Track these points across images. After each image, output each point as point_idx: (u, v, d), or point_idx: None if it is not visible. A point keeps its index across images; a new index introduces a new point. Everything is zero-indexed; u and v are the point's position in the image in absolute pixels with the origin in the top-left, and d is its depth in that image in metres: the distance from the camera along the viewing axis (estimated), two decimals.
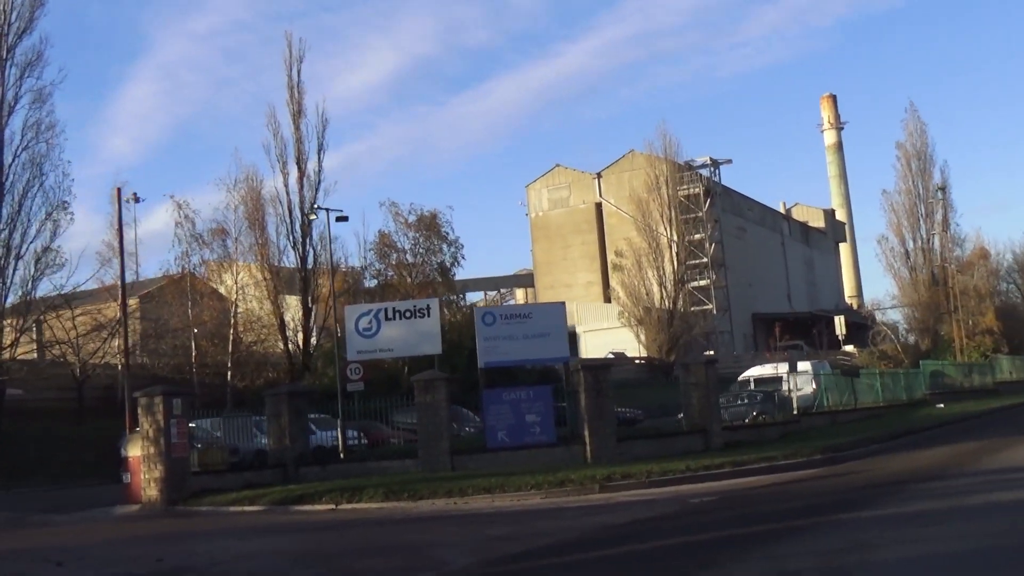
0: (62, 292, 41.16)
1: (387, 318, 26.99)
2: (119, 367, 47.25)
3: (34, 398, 44.63)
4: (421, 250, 51.79)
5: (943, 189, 70.70)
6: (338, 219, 33.66)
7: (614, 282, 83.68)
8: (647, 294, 74.70)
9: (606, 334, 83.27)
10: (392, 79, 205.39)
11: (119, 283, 46.62)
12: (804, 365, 43.18)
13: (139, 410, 23.89)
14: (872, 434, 28.90)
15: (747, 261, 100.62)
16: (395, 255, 51.52)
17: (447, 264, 52.23)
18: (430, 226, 51.34)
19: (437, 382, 25.23)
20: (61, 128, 41.64)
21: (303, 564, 13.15)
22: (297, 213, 50.95)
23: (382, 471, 25.05)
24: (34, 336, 43.24)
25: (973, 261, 77.02)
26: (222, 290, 49.44)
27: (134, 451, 23.77)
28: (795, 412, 36.35)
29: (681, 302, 77.95)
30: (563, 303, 33.22)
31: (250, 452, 28.32)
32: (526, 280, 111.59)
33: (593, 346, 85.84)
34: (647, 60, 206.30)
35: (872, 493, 16.81)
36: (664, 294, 75.18)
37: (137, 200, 53.82)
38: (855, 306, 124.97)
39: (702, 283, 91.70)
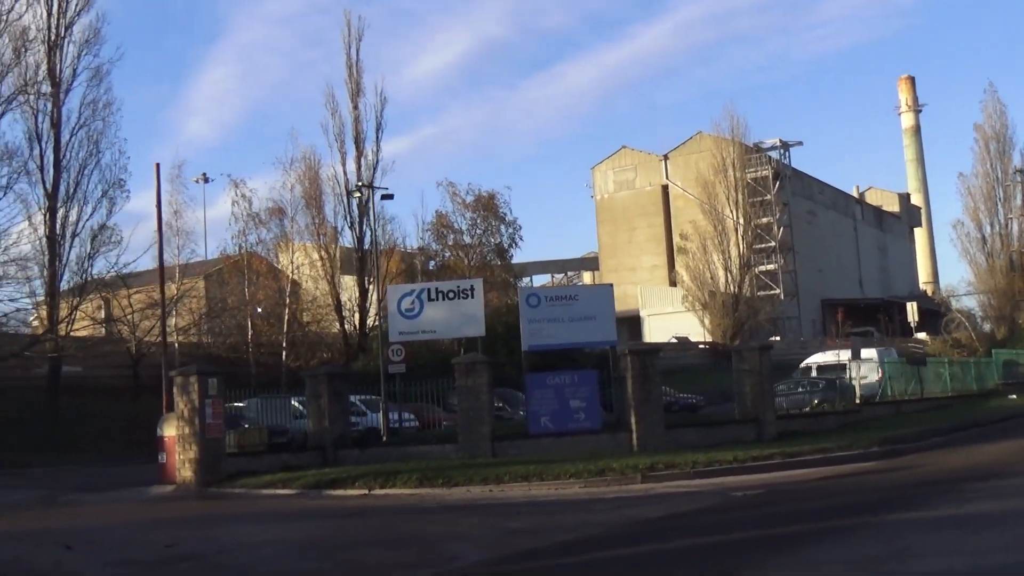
0: (119, 271, 41.31)
1: (430, 299, 26.34)
2: (176, 345, 47.56)
3: (92, 375, 45.00)
4: (478, 231, 51.12)
5: (1021, 171, 68.06)
6: (383, 197, 33.21)
7: (679, 266, 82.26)
8: (712, 278, 73.38)
9: (671, 318, 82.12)
10: (465, 61, 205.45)
11: (176, 262, 46.94)
12: (869, 352, 41.66)
13: (175, 389, 23.58)
14: (935, 425, 27.59)
15: (817, 245, 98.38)
16: (452, 236, 50.88)
17: (504, 245, 51.45)
18: (488, 206, 50.68)
19: (479, 365, 24.52)
20: (118, 106, 41.52)
21: (309, 555, 12.56)
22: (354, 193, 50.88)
23: (421, 456, 24.44)
24: (90, 313, 43.42)
25: None
26: (280, 269, 49.32)
27: (169, 431, 23.46)
28: (857, 401, 35.07)
29: (747, 286, 76.50)
30: (610, 285, 32.35)
31: (299, 433, 28.06)
32: (591, 264, 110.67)
33: (657, 330, 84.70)
34: (723, 41, 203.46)
35: (925, 491, 15.73)
36: (729, 278, 73.78)
37: (206, 180, 53.76)
38: (930, 293, 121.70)
39: (769, 267, 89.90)
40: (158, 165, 32.21)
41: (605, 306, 26.55)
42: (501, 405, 32.69)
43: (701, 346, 73.59)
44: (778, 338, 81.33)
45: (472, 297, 26.36)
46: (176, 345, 47.31)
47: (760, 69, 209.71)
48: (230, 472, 23.12)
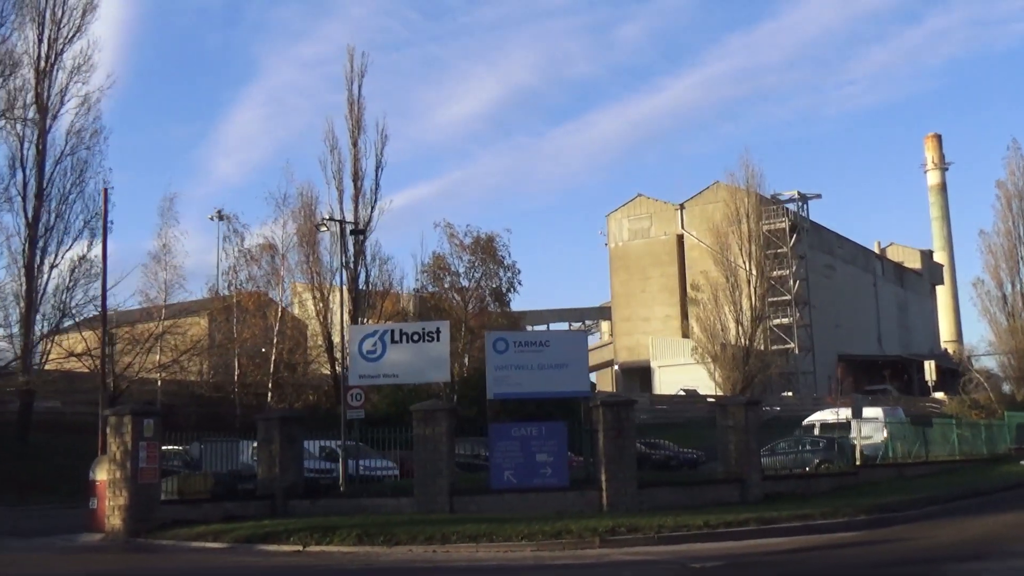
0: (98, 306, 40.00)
1: (393, 341, 24.78)
2: (159, 383, 46.23)
3: (71, 411, 43.66)
4: (476, 274, 49.63)
5: None
6: (352, 232, 31.73)
7: (691, 317, 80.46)
8: (723, 330, 71.52)
9: (682, 370, 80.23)
10: (493, 109, 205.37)
11: (162, 298, 45.67)
12: (873, 411, 39.71)
13: (108, 430, 22.09)
14: (933, 493, 25.65)
15: (835, 300, 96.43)
16: (449, 278, 49.47)
17: (503, 289, 49.94)
18: (486, 249, 49.27)
19: (439, 413, 22.92)
20: (107, 135, 40.43)
21: None
22: (349, 234, 49.64)
23: (376, 509, 22.84)
24: (69, 347, 42.10)
25: None
26: (271, 309, 47.95)
27: (101, 475, 21.94)
28: (857, 462, 33.14)
29: (759, 339, 74.60)
30: (584, 332, 30.94)
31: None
32: (607, 313, 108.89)
33: (667, 382, 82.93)
34: (751, 96, 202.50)
35: (897, 573, 13.97)
36: (740, 330, 71.88)
37: (221, 218, 52.38)
38: (952, 352, 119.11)
39: (784, 321, 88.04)
40: (106, 190, 30.92)
41: (578, 354, 24.90)
42: (479, 453, 30.97)
43: (709, 399, 71.48)
44: (790, 394, 79.40)
45: (438, 340, 24.78)
46: (159, 383, 46.01)
47: (787, 125, 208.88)
48: (165, 521, 21.50)
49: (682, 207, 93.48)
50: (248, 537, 19.73)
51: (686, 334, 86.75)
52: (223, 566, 17.24)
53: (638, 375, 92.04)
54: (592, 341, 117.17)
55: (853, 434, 36.27)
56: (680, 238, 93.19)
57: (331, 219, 34.17)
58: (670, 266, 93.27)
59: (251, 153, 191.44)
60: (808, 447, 36.04)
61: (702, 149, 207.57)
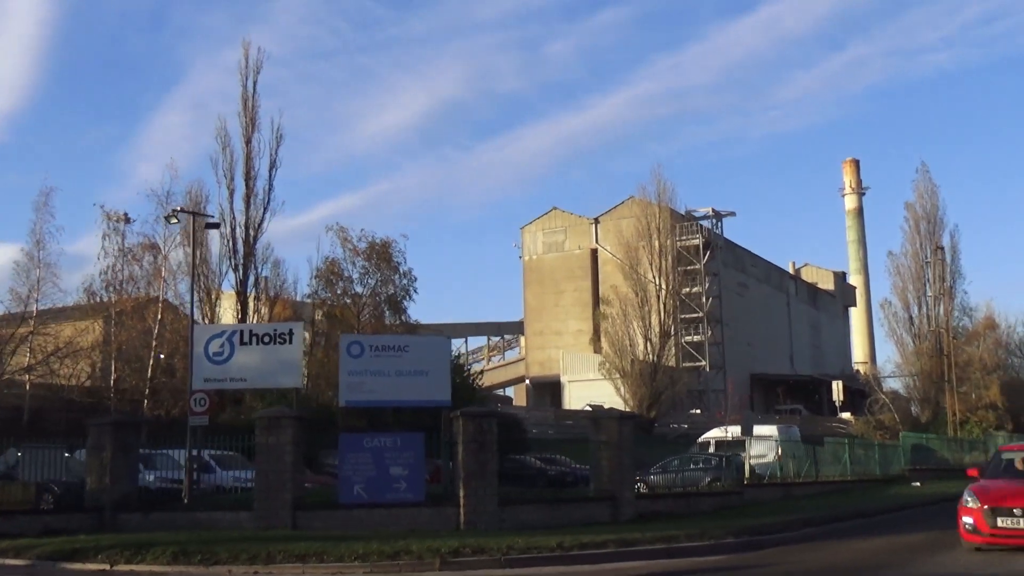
0: None
1: (242, 342, 22.95)
2: (27, 386, 43.62)
3: None
4: (371, 280, 47.81)
5: (941, 248, 66.23)
6: (207, 226, 29.87)
7: (601, 332, 79.46)
8: (631, 345, 70.59)
9: (591, 385, 79.13)
10: (422, 121, 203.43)
11: (34, 296, 43.16)
12: (768, 429, 38.83)
13: None
14: (814, 514, 24.58)
15: (748, 319, 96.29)
16: (341, 284, 47.57)
17: (398, 297, 48.18)
18: (381, 255, 47.44)
19: (284, 420, 21.16)
20: None
21: None
22: (241, 232, 47.65)
23: (213, 523, 21.01)
24: None
25: (980, 331, 72.31)
26: (149, 311, 45.50)
27: None
28: (745, 481, 32.10)
29: (668, 356, 73.81)
30: (447, 338, 29.28)
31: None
32: (516, 328, 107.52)
33: (577, 397, 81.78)
34: (678, 117, 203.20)
35: None
36: (649, 347, 71.00)
37: (127, 221, 49.18)
38: (864, 373, 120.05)
39: (696, 338, 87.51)
40: None
41: (439, 361, 23.29)
42: None
43: None
44: (698, 411, 78.73)
45: (290, 342, 23.02)
46: (27, 386, 43.41)
47: (711, 146, 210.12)
48: None
49: (597, 221, 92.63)
50: (53, 554, 17.73)
51: (599, 349, 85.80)
52: None
53: (549, 390, 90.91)
54: (511, 355, 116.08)
55: (749, 452, 35.41)
56: (594, 252, 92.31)
57: (182, 211, 31.90)
58: (584, 280, 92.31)
59: (173, 157, 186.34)
60: (700, 464, 34.92)
61: (628, 167, 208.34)
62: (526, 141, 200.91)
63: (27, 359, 42.53)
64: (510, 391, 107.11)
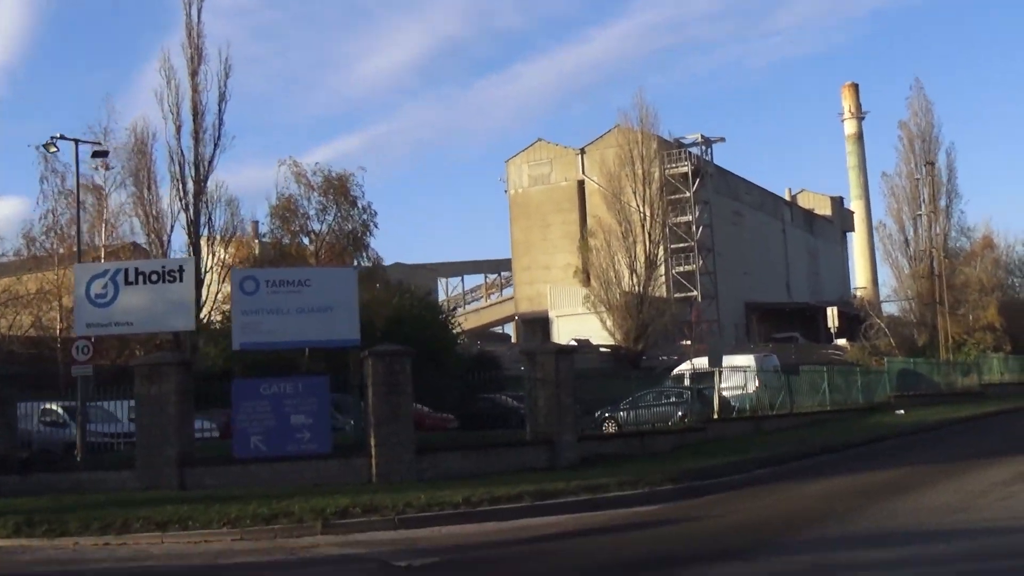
0: None
1: (127, 282, 20.54)
2: None
3: None
4: (328, 216, 45.34)
5: (931, 164, 63.28)
6: (94, 154, 27.41)
7: (588, 264, 77.05)
8: (616, 277, 68.16)
9: (579, 320, 76.86)
10: (419, 61, 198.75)
11: None
12: (744, 359, 36.55)
13: None
14: (773, 452, 22.39)
15: (743, 247, 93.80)
16: (297, 221, 45.11)
17: (358, 233, 45.74)
18: (339, 190, 44.92)
19: (165, 368, 18.84)
20: None
21: None
22: (190, 170, 44.95)
23: (95, 484, 18.82)
24: None
25: (977, 251, 69.66)
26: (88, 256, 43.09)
27: None
28: (715, 416, 29.90)
29: (657, 287, 71.46)
30: (352, 268, 26.91)
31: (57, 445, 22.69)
32: (505, 265, 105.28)
33: (566, 332, 79.58)
34: (679, 47, 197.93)
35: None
36: (635, 278, 68.52)
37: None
38: (861, 298, 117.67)
39: (688, 268, 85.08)
40: None
41: (346, 295, 20.85)
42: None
43: (603, 349, 68.46)
44: (688, 342, 76.50)
45: (180, 280, 20.60)
46: None
47: (711, 75, 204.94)
48: None
49: (583, 151, 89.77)
50: None
51: (587, 283, 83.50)
52: None
53: (540, 326, 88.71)
54: (509, 293, 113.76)
55: (724, 384, 33.20)
56: (581, 184, 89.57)
57: (62, 137, 29.20)
58: (571, 213, 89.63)
59: (109, 93, 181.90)
60: (672, 399, 32.78)
61: (632, 101, 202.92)
62: (527, 78, 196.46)
63: None
64: (509, 328, 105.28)
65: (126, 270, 21.12)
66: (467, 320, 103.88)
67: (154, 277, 20.73)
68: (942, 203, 67.85)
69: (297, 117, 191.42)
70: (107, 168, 43.74)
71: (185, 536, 14.64)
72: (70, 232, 43.78)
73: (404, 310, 44.81)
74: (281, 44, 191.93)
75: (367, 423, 19.60)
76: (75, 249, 43.41)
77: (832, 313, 77.42)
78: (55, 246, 43.12)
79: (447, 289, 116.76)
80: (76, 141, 29.26)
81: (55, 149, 30.19)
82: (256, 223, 53.03)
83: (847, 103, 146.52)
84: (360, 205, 45.74)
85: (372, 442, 19.24)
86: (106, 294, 20.59)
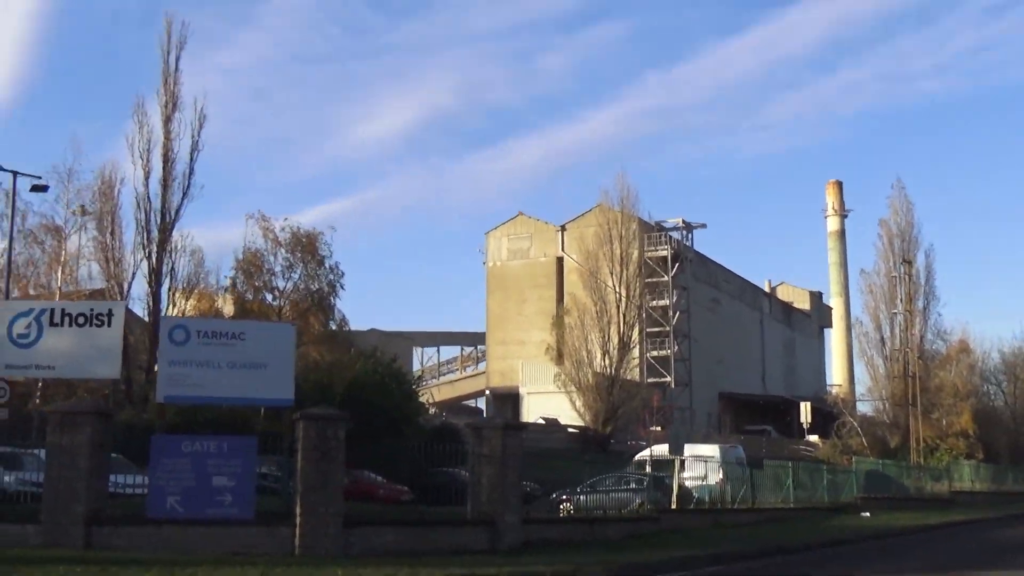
0: None
1: (52, 323, 19.45)
2: None
3: None
4: (294, 274, 44.34)
5: (908, 263, 62.92)
6: (33, 188, 26.43)
7: (561, 343, 75.96)
8: (588, 357, 67.07)
9: (549, 398, 75.59)
10: (412, 130, 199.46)
11: None
12: (708, 449, 35.43)
13: None
14: (726, 549, 21.24)
15: (719, 335, 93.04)
16: (262, 277, 44.06)
17: (325, 291, 44.72)
18: (307, 248, 43.99)
19: (80, 417, 17.62)
20: None
21: None
22: (156, 218, 43.98)
23: None
24: None
25: (953, 356, 69.14)
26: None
27: None
28: (673, 505, 28.72)
29: (630, 370, 70.34)
30: (291, 325, 25.78)
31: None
32: (481, 339, 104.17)
33: (536, 410, 78.47)
34: (668, 133, 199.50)
35: None
36: (608, 359, 67.42)
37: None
38: (835, 395, 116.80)
39: (663, 353, 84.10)
40: None
41: (282, 352, 19.79)
42: (269, 472, 25.54)
43: (571, 430, 67.21)
44: (659, 428, 75.25)
45: (108, 325, 19.53)
46: None
47: (698, 163, 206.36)
48: None
49: (563, 228, 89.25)
50: None
51: (561, 361, 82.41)
52: None
53: (510, 401, 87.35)
54: (483, 367, 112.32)
55: (687, 473, 32.09)
56: (560, 261, 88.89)
57: (1, 169, 28.30)
58: (548, 289, 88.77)
59: (75, 133, 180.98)
60: (632, 485, 31.62)
61: (612, 181, 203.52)
62: (516, 154, 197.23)
63: None
64: (482, 402, 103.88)
65: (52, 310, 20.05)
66: (440, 391, 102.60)
67: (81, 320, 19.64)
68: (919, 304, 67.49)
69: (287, 178, 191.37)
70: (84, 213, 42.84)
71: None
72: (25, 273, 42.70)
73: (367, 376, 43.63)
74: (274, 106, 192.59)
75: (294, 491, 18.37)
76: (30, 292, 42.42)
77: (805, 408, 76.38)
78: (11, 286, 41.85)
79: (423, 359, 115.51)
80: (14, 173, 28.31)
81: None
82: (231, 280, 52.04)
83: (831, 199, 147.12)
84: (328, 265, 44.86)
85: (298, 511, 18.00)
86: (29, 334, 19.47)
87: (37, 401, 38.90)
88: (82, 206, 41.27)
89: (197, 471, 17.92)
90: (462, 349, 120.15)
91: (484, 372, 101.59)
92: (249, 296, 44.06)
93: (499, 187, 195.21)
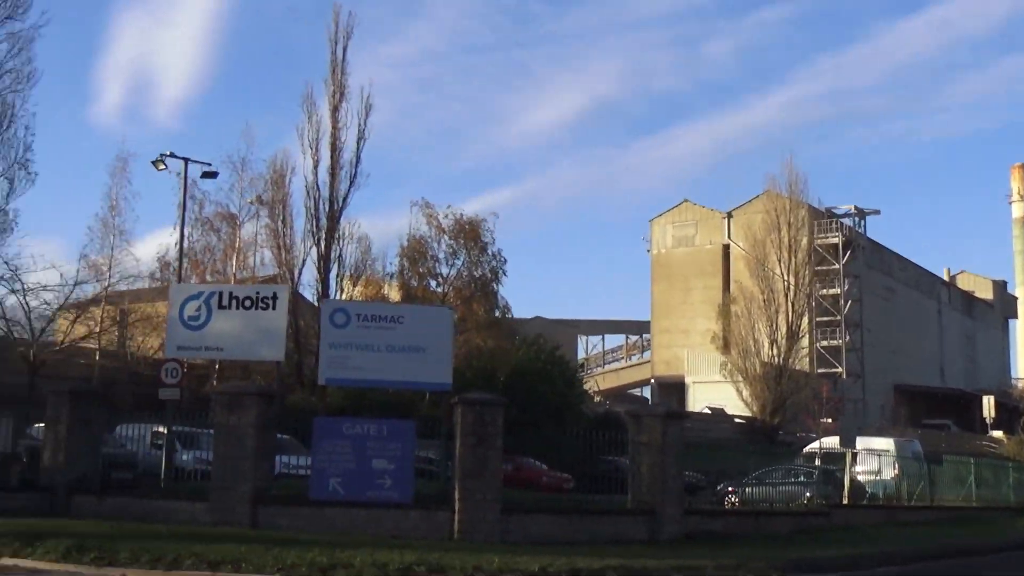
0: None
1: (220, 306, 19.91)
2: (97, 356, 42.29)
3: (4, 381, 39.80)
4: (457, 261, 44.68)
5: None
6: (204, 175, 27.10)
7: (727, 332, 74.41)
8: (755, 347, 65.52)
9: (715, 388, 74.32)
10: (576, 118, 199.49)
11: (110, 261, 41.63)
12: (883, 442, 33.87)
13: None
14: (897, 548, 20.04)
15: (893, 325, 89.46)
16: (426, 264, 44.57)
17: (487, 278, 44.93)
18: (469, 234, 44.25)
19: (247, 398, 17.99)
20: (37, 78, 36.38)
21: None
22: (324, 206, 44.99)
23: (167, 513, 18.12)
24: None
25: None
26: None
27: None
28: (843, 500, 27.56)
29: (799, 360, 68.33)
30: (450, 309, 25.52)
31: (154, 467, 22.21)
32: (646, 327, 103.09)
33: (702, 399, 77.30)
34: (839, 117, 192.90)
35: None
36: (775, 349, 65.71)
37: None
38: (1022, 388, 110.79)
39: (833, 343, 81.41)
40: None
41: (440, 336, 19.72)
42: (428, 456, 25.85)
43: (737, 420, 65.80)
44: (829, 420, 72.85)
45: (273, 308, 19.87)
46: (97, 356, 42.03)
47: (873, 150, 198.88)
48: None
49: (729, 215, 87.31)
50: None
51: (727, 350, 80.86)
52: None
53: (675, 391, 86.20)
54: (648, 356, 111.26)
55: (859, 467, 30.83)
56: (726, 248, 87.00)
57: (172, 155, 29.15)
58: (714, 277, 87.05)
59: (248, 123, 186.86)
60: (801, 478, 30.56)
61: (780, 167, 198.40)
62: (682, 141, 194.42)
63: (96, 328, 41.07)
64: (647, 391, 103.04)
65: (220, 293, 20.58)
66: (605, 380, 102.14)
67: (247, 303, 20.09)
68: None
69: (451, 168, 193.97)
70: (260, 203, 44.34)
71: None
72: (203, 259, 44.34)
73: (530, 363, 43.66)
74: (440, 96, 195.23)
75: (452, 475, 18.33)
76: (207, 278, 44.04)
77: (989, 402, 72.79)
78: (188, 271, 43.58)
79: (587, 347, 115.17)
80: (186, 160, 29.31)
81: (163, 167, 30.27)
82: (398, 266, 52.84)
83: (1016, 185, 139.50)
84: (490, 251, 44.94)
85: (456, 496, 17.93)
86: (199, 316, 20.04)
87: (214, 382, 40.33)
88: (258, 196, 42.56)
89: (358, 453, 18.07)
90: (627, 338, 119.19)
91: (649, 361, 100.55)
92: (414, 282, 44.60)
93: (664, 174, 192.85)
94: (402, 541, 16.70)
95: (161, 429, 25.47)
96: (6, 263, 35.75)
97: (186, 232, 43.34)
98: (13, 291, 37.26)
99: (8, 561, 14.21)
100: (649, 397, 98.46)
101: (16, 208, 36.79)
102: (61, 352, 39.22)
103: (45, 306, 37.97)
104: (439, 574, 14.04)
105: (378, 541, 16.45)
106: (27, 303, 37.25)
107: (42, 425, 20.66)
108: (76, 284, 38.81)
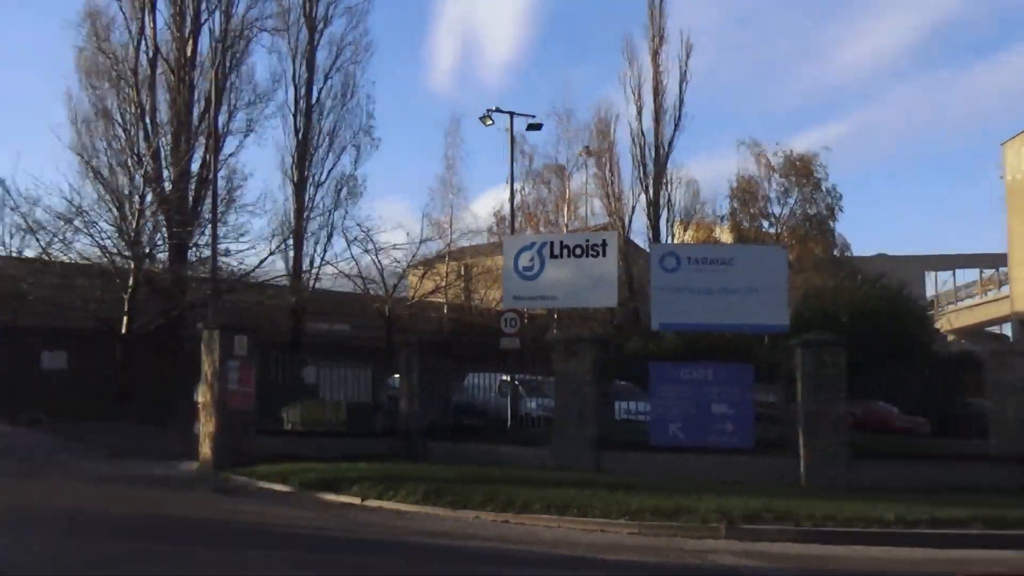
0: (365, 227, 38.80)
1: (552, 255, 20.18)
2: (445, 309, 44.67)
3: (363, 335, 43.03)
4: (789, 199, 43.29)
5: None
6: (529, 127, 27.23)
7: None
8: None
9: None
10: (911, 43, 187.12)
11: (449, 219, 43.72)
12: None
13: (202, 347, 19.43)
14: None
15: None
16: (757, 204, 43.50)
17: (823, 215, 43.25)
18: (800, 171, 42.67)
19: (583, 344, 18.20)
20: (373, 49, 38.96)
21: None
22: (650, 152, 45.09)
23: (510, 458, 18.77)
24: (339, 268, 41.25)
25: None
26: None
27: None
28: None
29: None
30: (782, 248, 24.17)
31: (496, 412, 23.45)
32: (1002, 259, 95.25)
33: None
34: None
35: None
36: None
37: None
38: None
39: None
40: None
41: (774, 276, 18.92)
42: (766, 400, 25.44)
43: None
44: None
45: (603, 255, 19.89)
46: (445, 309, 44.47)
47: None
48: (263, 454, 18.55)
49: None
50: (312, 482, 16.41)
51: None
52: (214, 517, 14.02)
53: None
54: (1006, 291, 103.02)
55: None
56: None
57: (498, 110, 29.77)
58: None
59: (568, 76, 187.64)
60: None
61: None
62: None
63: (442, 282, 43.40)
64: (1007, 328, 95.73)
65: (551, 243, 20.99)
66: (959, 317, 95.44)
67: (578, 251, 20.38)
68: None
69: (776, 105, 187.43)
70: (588, 154, 45.12)
71: (581, 523, 13.89)
72: (535, 211, 45.59)
73: (872, 301, 41.65)
74: (761, 31, 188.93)
75: (794, 420, 17.72)
76: (540, 229, 45.28)
77: None
78: (522, 224, 45.01)
79: (936, 283, 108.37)
80: (511, 114, 30.09)
81: (491, 122, 31.19)
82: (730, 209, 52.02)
83: None
84: (824, 188, 43.35)
85: (801, 440, 17.33)
86: (532, 267, 20.56)
87: (553, 331, 41.54)
88: (586, 147, 43.07)
89: (696, 398, 17.89)
90: (980, 272, 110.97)
91: (1008, 296, 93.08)
92: (745, 224, 43.76)
93: (1013, 95, 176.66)
94: (744, 487, 16.34)
95: (506, 377, 26.55)
96: (358, 225, 38.58)
97: (518, 186, 44.86)
98: (366, 251, 40.11)
99: (374, 503, 15.25)
100: (1010, 334, 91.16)
101: (364, 173, 39.70)
102: (413, 307, 41.75)
103: (396, 263, 40.58)
104: (787, 522, 13.58)
105: (720, 487, 16.17)
106: (380, 262, 39.97)
107: (398, 376, 22.02)
108: (422, 242, 41.27)
